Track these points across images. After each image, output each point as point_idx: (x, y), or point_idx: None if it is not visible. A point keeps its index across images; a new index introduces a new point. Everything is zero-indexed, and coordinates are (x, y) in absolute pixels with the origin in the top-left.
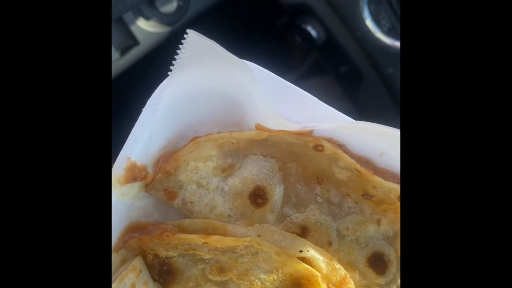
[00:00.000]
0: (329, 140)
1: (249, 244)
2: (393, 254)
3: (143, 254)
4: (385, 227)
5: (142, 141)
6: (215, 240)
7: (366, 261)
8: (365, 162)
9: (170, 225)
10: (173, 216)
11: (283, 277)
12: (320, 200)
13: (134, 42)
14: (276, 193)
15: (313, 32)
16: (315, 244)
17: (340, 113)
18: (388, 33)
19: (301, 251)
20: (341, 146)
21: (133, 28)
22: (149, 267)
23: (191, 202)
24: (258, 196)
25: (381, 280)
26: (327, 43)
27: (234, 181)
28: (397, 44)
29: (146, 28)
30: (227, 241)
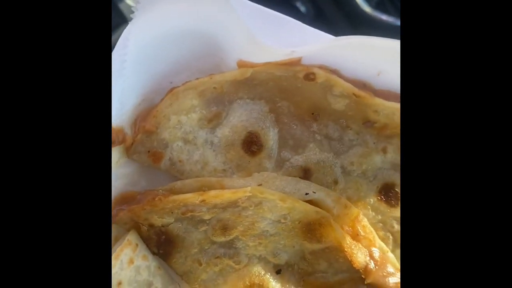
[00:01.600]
0: (321, 67)
1: (251, 194)
2: None
3: (136, 227)
4: (392, 155)
5: (114, 100)
6: (213, 196)
7: (376, 195)
8: (363, 85)
9: (160, 190)
10: (162, 181)
11: (292, 225)
12: (319, 138)
13: (123, 19)
14: (271, 137)
15: (302, 8)
16: (321, 185)
17: (328, 35)
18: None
19: (307, 194)
20: (334, 71)
21: (121, 6)
22: (146, 240)
23: (180, 161)
24: (251, 143)
25: (396, 213)
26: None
27: (223, 131)
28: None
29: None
30: (227, 194)
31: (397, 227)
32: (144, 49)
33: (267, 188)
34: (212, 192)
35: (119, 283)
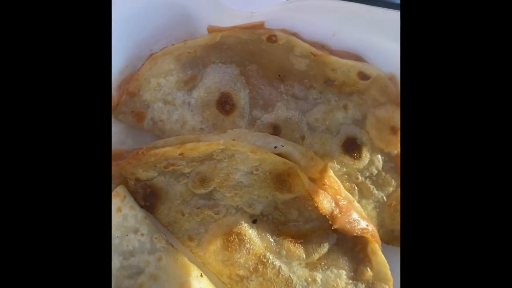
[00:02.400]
0: (282, 30)
1: (224, 146)
2: (365, 136)
3: (124, 182)
4: (352, 111)
5: None
6: (190, 148)
7: (340, 149)
8: (321, 46)
9: (144, 147)
10: (146, 141)
11: (263, 176)
12: (286, 97)
13: None
14: (242, 97)
15: None
16: (289, 140)
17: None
18: None
19: (275, 147)
20: (294, 34)
21: None
22: (133, 193)
23: (161, 121)
24: (225, 103)
25: (359, 165)
26: None
27: (199, 93)
28: None
29: None
30: (202, 147)
31: (361, 178)
32: (127, 20)
33: (240, 142)
34: (189, 145)
35: None
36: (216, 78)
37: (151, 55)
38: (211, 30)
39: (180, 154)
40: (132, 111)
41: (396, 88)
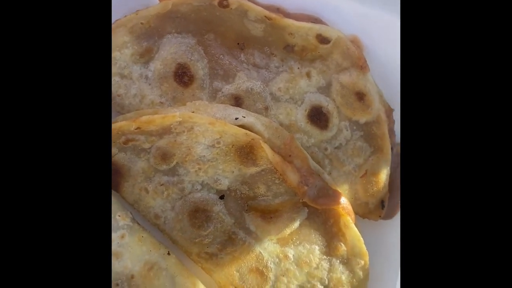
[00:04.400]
0: None
1: (181, 119)
2: (331, 105)
3: None
4: (316, 78)
5: None
6: (145, 121)
7: (306, 118)
8: (276, 10)
9: None
10: None
11: (226, 149)
12: (246, 67)
13: None
14: (201, 68)
15: None
16: (252, 112)
17: None
18: None
19: (236, 118)
20: None
21: None
22: None
23: (118, 96)
24: (183, 75)
25: (327, 135)
26: None
27: (156, 65)
28: None
29: None
30: (157, 120)
31: (330, 149)
32: None
33: (198, 114)
34: (144, 118)
35: None
36: (172, 49)
37: None
38: None
39: (137, 129)
40: None
41: (358, 50)
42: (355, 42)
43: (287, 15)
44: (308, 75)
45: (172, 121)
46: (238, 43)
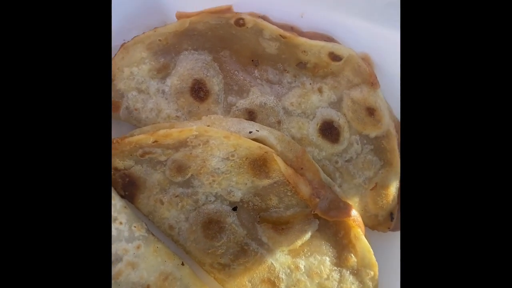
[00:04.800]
0: (250, 14)
1: (197, 132)
2: (342, 119)
3: None
4: (327, 93)
5: None
6: (163, 135)
7: (318, 132)
8: (290, 28)
9: (120, 137)
10: (124, 132)
11: (240, 162)
12: (260, 82)
13: None
14: (216, 83)
15: None
16: (265, 126)
17: None
18: None
19: (250, 132)
20: (262, 17)
21: None
22: (113, 184)
23: (136, 110)
24: (199, 90)
25: (338, 148)
26: None
27: (173, 80)
28: None
29: None
30: (175, 133)
31: (340, 162)
32: None
33: (214, 128)
34: (161, 132)
35: None
36: (188, 65)
37: (123, 44)
38: (179, 16)
39: (154, 142)
40: None
41: (369, 67)
42: (366, 59)
43: (301, 33)
44: (320, 90)
45: (189, 135)
46: (252, 60)
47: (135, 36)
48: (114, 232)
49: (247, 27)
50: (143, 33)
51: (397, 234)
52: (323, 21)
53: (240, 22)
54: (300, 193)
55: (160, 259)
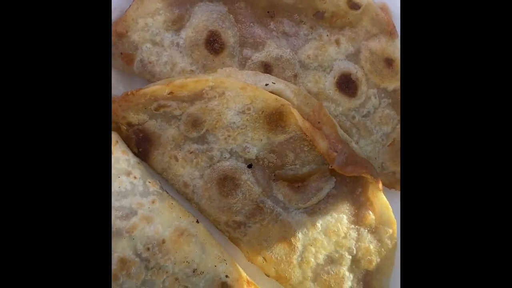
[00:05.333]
0: None
1: (213, 83)
2: (360, 72)
3: (117, 128)
4: (345, 45)
5: None
6: (178, 85)
7: (335, 86)
8: None
9: (134, 90)
10: (137, 86)
11: (256, 115)
12: (276, 35)
13: None
14: (231, 35)
15: None
16: (281, 79)
17: None
18: None
19: (266, 85)
20: None
21: None
22: (126, 140)
23: (150, 63)
24: (214, 42)
25: (354, 103)
26: None
27: (187, 32)
28: None
29: None
30: (190, 84)
31: (358, 117)
32: None
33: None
34: (177, 82)
35: None
36: (203, 17)
37: None
38: None
39: (169, 93)
40: (121, 53)
41: (387, 16)
42: (383, 9)
43: None
44: (337, 42)
45: (205, 86)
46: (268, 11)
47: None
48: (128, 186)
49: None
50: None
51: None
52: None
53: None
54: (317, 147)
55: (175, 214)
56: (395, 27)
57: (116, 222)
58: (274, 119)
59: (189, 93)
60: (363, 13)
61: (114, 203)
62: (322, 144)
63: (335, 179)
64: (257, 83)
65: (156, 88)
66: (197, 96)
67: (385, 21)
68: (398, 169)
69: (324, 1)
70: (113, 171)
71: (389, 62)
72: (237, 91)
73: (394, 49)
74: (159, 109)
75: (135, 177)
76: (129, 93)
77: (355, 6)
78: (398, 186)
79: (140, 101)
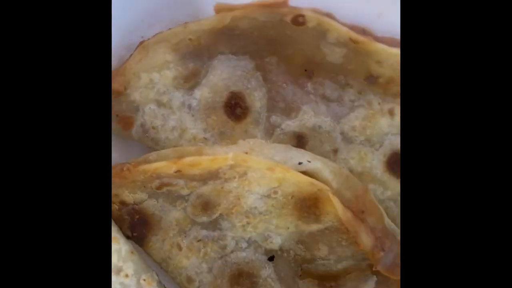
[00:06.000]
0: (312, 10)
1: (233, 162)
2: None
3: None
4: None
5: None
6: (189, 164)
7: (384, 166)
8: (362, 31)
9: (132, 162)
10: (135, 154)
11: (284, 201)
12: (314, 99)
13: None
14: (258, 98)
15: None
16: (317, 154)
17: None
18: None
19: (300, 163)
20: (328, 15)
21: None
22: (118, 221)
23: (153, 128)
24: (235, 106)
25: None
26: None
27: (203, 92)
28: None
29: None
30: (204, 162)
31: None
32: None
33: (254, 156)
34: (188, 160)
35: None
36: (224, 74)
37: (141, 42)
38: (219, 9)
39: (176, 171)
40: (117, 115)
41: None
42: None
43: (376, 38)
44: (391, 112)
45: (222, 164)
46: (306, 70)
47: (157, 33)
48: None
49: (308, 27)
50: (169, 29)
51: None
52: None
53: (299, 20)
54: (361, 245)
55: None
56: None
57: None
58: (307, 205)
59: (202, 171)
60: None
61: None
62: (366, 241)
63: (376, 279)
64: (287, 160)
65: (160, 165)
66: (212, 175)
67: None
68: None
69: (381, 64)
70: None
71: None
72: (263, 172)
73: None
74: (162, 187)
75: (126, 275)
76: (124, 169)
77: None
78: None
79: (139, 178)
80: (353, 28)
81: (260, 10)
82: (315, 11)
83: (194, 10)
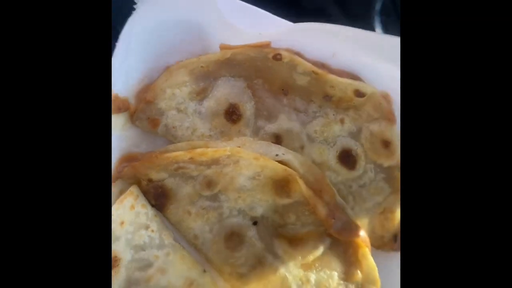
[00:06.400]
0: (287, 50)
1: (230, 153)
2: (360, 149)
3: (138, 182)
4: (348, 125)
5: (121, 75)
6: (199, 153)
7: (336, 159)
8: (321, 65)
9: (157, 151)
10: (159, 145)
11: (265, 181)
12: (288, 110)
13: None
14: (248, 108)
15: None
16: (289, 149)
17: (288, 22)
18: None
19: (277, 155)
20: (297, 53)
21: None
22: (145, 193)
23: (173, 127)
24: (232, 113)
25: (353, 175)
26: None
27: (209, 103)
28: None
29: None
30: (210, 152)
31: (354, 187)
32: (147, 35)
33: (245, 149)
34: (198, 150)
35: (122, 222)
36: (225, 90)
37: (167, 67)
38: (223, 47)
39: (189, 159)
40: (148, 118)
41: (388, 105)
42: (386, 97)
43: (331, 70)
44: (342, 121)
45: (222, 155)
46: (282, 89)
47: (178, 61)
48: (146, 239)
49: (283, 62)
50: (187, 59)
51: (398, 254)
52: (352, 61)
53: (277, 57)
54: (318, 214)
55: (185, 266)
56: (394, 114)
57: (135, 273)
58: (281, 185)
59: (207, 159)
60: (367, 99)
61: (134, 255)
62: (322, 211)
63: (330, 240)
64: (268, 153)
65: (179, 154)
66: (214, 162)
67: (386, 109)
68: (386, 234)
69: (334, 88)
70: (134, 225)
71: (386, 143)
72: (250, 160)
73: (392, 133)
74: (178, 170)
75: (152, 230)
76: (153, 156)
77: (360, 95)
78: (385, 248)
79: (162, 162)
80: (315, 63)
81: (251, 49)
82: (289, 50)
83: (205, 47)
